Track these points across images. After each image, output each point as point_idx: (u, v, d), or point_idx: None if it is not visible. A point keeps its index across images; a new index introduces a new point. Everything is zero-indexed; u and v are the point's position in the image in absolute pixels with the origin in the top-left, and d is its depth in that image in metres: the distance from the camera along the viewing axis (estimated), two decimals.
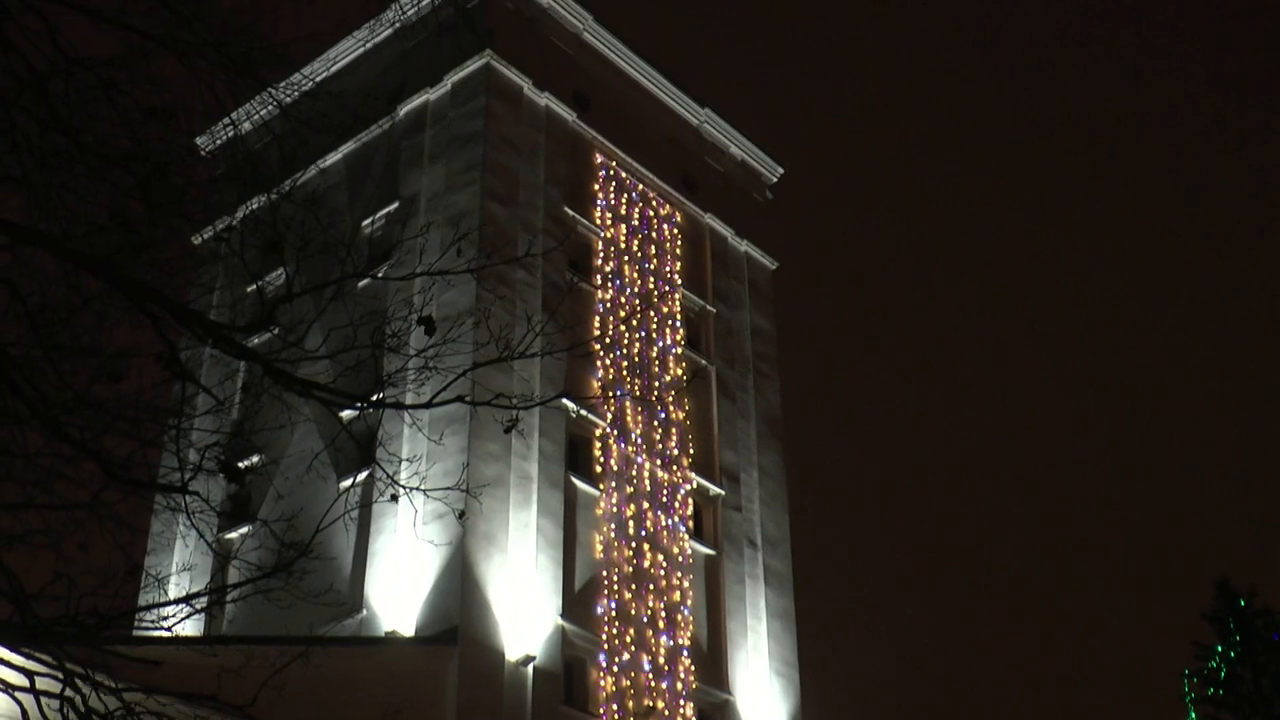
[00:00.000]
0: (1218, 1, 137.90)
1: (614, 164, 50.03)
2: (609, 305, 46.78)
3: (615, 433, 44.54)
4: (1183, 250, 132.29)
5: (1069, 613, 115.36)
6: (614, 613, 41.59)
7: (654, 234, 50.28)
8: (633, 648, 41.44)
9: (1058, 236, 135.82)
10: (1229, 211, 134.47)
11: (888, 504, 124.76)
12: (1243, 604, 43.47)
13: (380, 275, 32.75)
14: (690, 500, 46.23)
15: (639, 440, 45.15)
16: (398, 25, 45.81)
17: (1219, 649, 42.85)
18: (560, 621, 39.77)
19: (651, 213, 50.67)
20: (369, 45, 48.17)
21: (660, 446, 45.87)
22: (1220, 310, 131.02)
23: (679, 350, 48.64)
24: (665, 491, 45.23)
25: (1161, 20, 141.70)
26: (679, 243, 51.23)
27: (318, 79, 34.25)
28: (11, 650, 14.84)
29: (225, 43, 13.70)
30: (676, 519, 45.11)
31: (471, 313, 36.39)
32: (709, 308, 51.21)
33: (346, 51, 49.21)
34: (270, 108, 15.15)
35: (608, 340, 45.51)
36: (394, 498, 16.12)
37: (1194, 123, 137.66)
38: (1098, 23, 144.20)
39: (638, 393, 45.76)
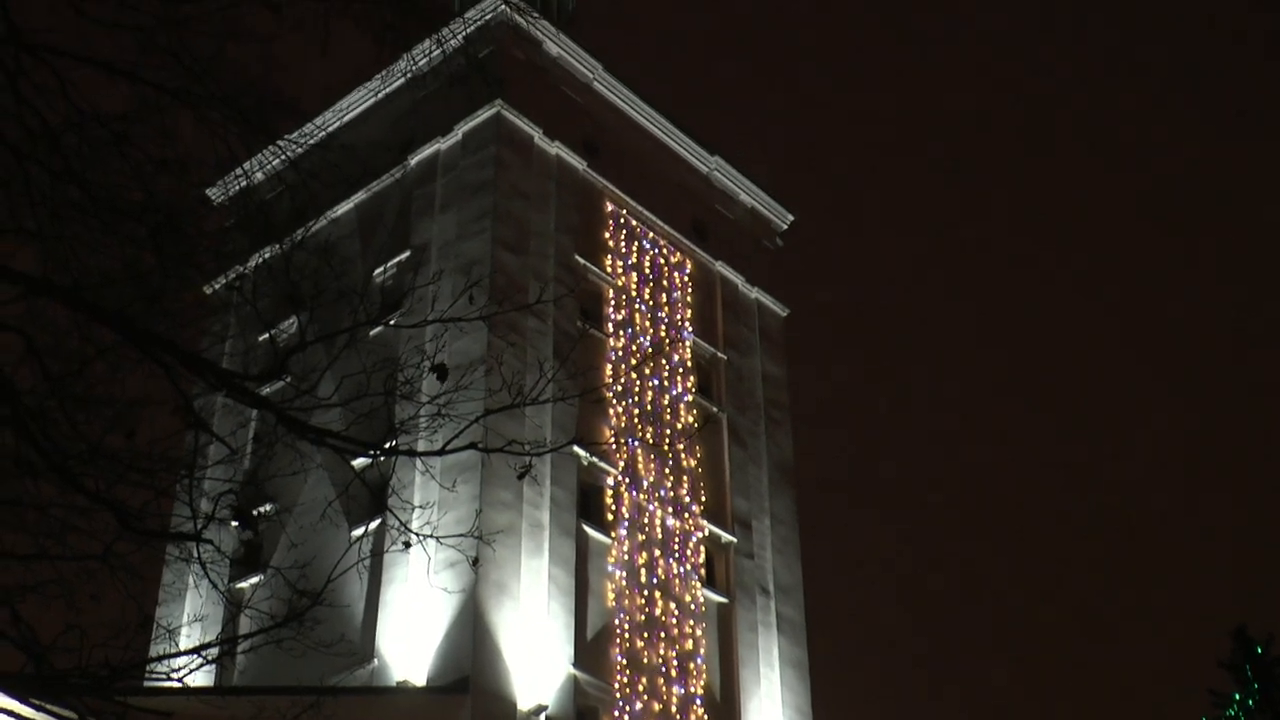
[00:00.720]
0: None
1: (625, 212, 50.20)
2: (620, 353, 46.84)
3: (627, 480, 44.50)
4: (1192, 294, 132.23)
5: (1085, 662, 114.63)
6: (626, 661, 41.43)
7: (665, 281, 50.39)
8: (645, 696, 41.24)
9: (1069, 279, 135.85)
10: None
11: (901, 551, 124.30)
12: (1260, 651, 43.16)
13: (392, 323, 32.87)
14: (702, 548, 46.11)
15: (650, 488, 45.10)
16: (409, 76, 46.11)
17: (1236, 697, 42.52)
18: (572, 670, 39.62)
19: (662, 260, 50.80)
20: (380, 96, 48.51)
21: (672, 494, 45.80)
22: (1236, 359, 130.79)
23: (690, 397, 48.64)
24: (677, 539, 45.13)
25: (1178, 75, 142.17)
26: (690, 290, 51.32)
27: (329, 129, 34.49)
28: (24, 703, 14.82)
29: (237, 96, 13.82)
30: (688, 567, 45.00)
31: (483, 360, 36.46)
32: (720, 355, 51.24)
33: (358, 102, 49.53)
34: (282, 159, 15.25)
35: (619, 388, 45.55)
36: (406, 545, 16.11)
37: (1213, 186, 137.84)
38: (1114, 65, 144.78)
39: (649, 440, 45.75)
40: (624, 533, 43.57)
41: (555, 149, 48.33)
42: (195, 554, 15.10)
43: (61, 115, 13.26)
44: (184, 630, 40.08)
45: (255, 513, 39.25)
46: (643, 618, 42.53)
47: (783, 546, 49.43)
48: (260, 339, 29.04)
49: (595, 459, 43.38)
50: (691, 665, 43.21)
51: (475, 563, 29.00)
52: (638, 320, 48.21)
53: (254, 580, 42.09)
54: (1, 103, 13.12)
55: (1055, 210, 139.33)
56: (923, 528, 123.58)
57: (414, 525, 18.28)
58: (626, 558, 43.20)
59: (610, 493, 43.93)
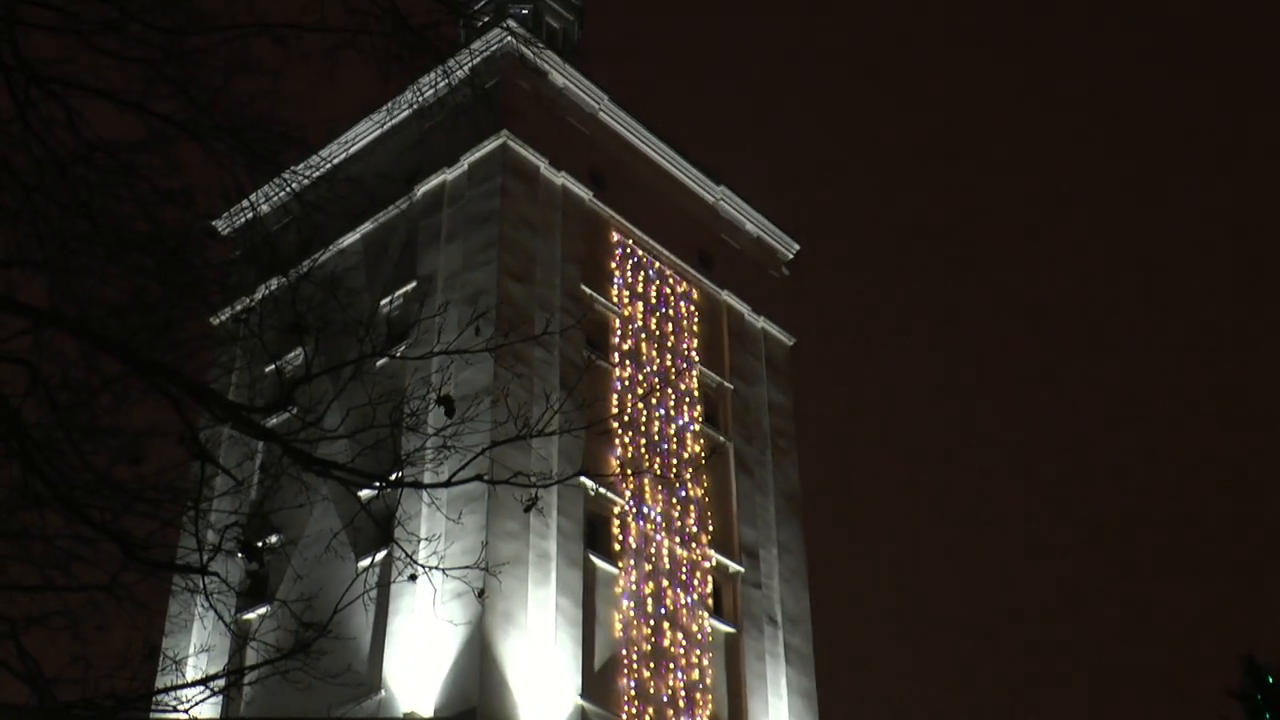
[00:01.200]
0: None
1: (630, 242, 50.26)
2: (627, 383, 46.83)
3: (634, 510, 44.43)
4: (1213, 317, 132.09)
5: (1094, 692, 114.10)
6: (634, 692, 41.28)
7: (671, 311, 50.42)
8: None
9: (1077, 308, 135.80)
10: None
11: (908, 581, 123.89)
12: (1271, 681, 42.90)
13: (398, 355, 32.86)
14: (709, 577, 46.01)
15: (657, 518, 45.02)
16: (415, 107, 46.21)
17: None
18: (580, 701, 39.48)
19: (668, 290, 50.83)
20: (386, 127, 48.61)
21: (679, 524, 45.72)
22: (1254, 384, 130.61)
23: (697, 427, 48.60)
24: (684, 569, 45.03)
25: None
26: (696, 319, 51.34)
27: (336, 160, 34.58)
28: None
29: (244, 127, 13.86)
30: (696, 596, 44.89)
31: (489, 391, 36.44)
32: (726, 384, 51.20)
33: (364, 134, 49.65)
34: (288, 190, 15.29)
35: (626, 418, 45.52)
36: (413, 578, 16.07)
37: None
38: (1122, 91, 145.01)
39: (656, 470, 45.68)
40: (631, 563, 43.48)
41: (561, 179, 48.43)
42: (201, 585, 15.08)
43: (69, 147, 13.31)
44: (190, 662, 40.01)
45: (261, 544, 39.12)
46: (650, 648, 42.42)
47: (790, 576, 49.31)
48: (266, 370, 29.05)
49: (602, 489, 43.34)
50: (699, 695, 43.05)
51: (482, 594, 28.95)
52: (644, 350, 48.21)
53: (260, 612, 42.02)
54: (10, 134, 13.17)
55: (1067, 236, 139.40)
56: (929, 556, 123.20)
57: (420, 557, 18.26)
58: (634, 588, 43.10)
59: (617, 523, 43.86)
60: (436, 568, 16.70)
